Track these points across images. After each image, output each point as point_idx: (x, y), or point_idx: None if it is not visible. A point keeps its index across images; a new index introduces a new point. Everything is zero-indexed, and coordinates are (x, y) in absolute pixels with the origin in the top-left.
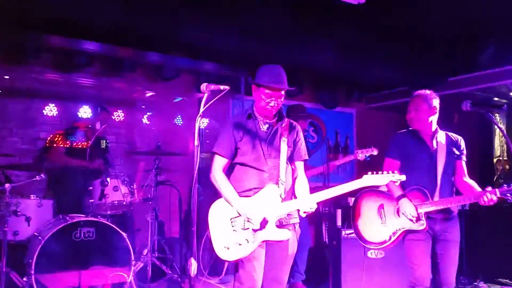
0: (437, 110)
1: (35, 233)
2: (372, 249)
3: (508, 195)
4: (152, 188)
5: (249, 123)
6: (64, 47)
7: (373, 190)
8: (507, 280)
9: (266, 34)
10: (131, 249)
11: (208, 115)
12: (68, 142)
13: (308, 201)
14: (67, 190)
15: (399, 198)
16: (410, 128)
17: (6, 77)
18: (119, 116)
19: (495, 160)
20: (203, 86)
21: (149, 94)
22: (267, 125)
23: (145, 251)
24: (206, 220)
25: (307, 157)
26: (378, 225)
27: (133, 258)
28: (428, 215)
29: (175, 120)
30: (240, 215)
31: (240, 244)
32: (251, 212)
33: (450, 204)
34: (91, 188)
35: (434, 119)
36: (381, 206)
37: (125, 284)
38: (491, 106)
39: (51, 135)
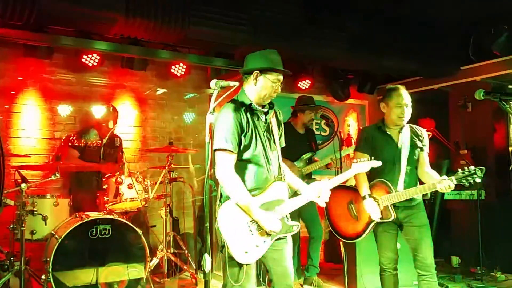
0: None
1: (52, 232)
2: (349, 242)
3: (463, 180)
4: (166, 185)
5: (249, 114)
6: (75, 46)
7: (339, 186)
8: None
9: (277, 27)
10: (146, 245)
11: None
12: (82, 141)
13: (325, 193)
14: (82, 189)
15: (364, 198)
16: (378, 122)
17: (19, 78)
18: (132, 114)
19: (510, 149)
20: (213, 83)
21: (160, 91)
22: (263, 116)
23: (160, 247)
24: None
25: (285, 144)
26: (350, 220)
27: (148, 254)
28: (393, 204)
29: (187, 116)
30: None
31: (257, 246)
32: (274, 225)
33: (412, 195)
34: (106, 186)
35: (407, 114)
36: (350, 202)
37: (141, 280)
38: (505, 94)
39: (66, 135)
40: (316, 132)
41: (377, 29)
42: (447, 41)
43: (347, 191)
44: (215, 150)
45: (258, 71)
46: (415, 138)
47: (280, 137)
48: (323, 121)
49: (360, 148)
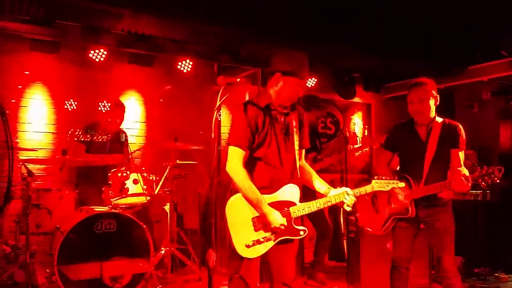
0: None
1: (57, 226)
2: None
3: (480, 179)
4: (171, 181)
5: (266, 113)
6: (81, 41)
7: (367, 180)
8: None
9: (283, 25)
10: (150, 240)
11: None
12: (88, 136)
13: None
14: (88, 183)
15: None
16: (409, 119)
17: (26, 72)
18: (137, 110)
19: None
20: (220, 79)
21: (166, 87)
22: (283, 117)
23: (165, 243)
24: (223, 212)
25: (309, 145)
26: (372, 213)
27: (152, 249)
28: (415, 202)
29: (192, 112)
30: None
31: (260, 242)
32: (279, 221)
33: (428, 192)
34: (111, 181)
35: (420, 110)
36: (375, 195)
37: (145, 275)
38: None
39: (72, 130)
40: (321, 130)
41: (384, 27)
42: (454, 40)
43: None
44: (228, 144)
45: (280, 73)
46: (446, 135)
47: (302, 139)
48: (329, 119)
49: (384, 145)
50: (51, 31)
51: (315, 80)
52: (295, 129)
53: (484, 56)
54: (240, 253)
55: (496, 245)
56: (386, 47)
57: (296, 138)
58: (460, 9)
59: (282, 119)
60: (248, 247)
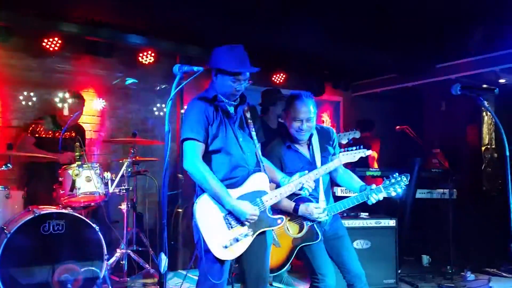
0: None
1: (2, 226)
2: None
3: (391, 189)
4: (129, 178)
5: (216, 105)
6: (36, 28)
7: None
8: (494, 270)
9: (252, 17)
10: (103, 242)
11: (187, 101)
12: (41, 130)
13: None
14: (38, 181)
15: (296, 209)
16: (284, 138)
17: None
18: (95, 103)
19: (483, 148)
20: (176, 68)
21: (129, 81)
22: (232, 107)
23: (121, 245)
24: (188, 211)
25: (264, 139)
26: (273, 249)
27: (105, 252)
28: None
29: (155, 107)
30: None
31: (238, 240)
32: (247, 210)
33: (347, 206)
34: (62, 178)
35: (308, 128)
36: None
37: (98, 280)
38: (481, 89)
39: (23, 123)
40: None
41: (354, 24)
42: (423, 38)
43: None
44: (182, 140)
45: (215, 71)
46: (325, 143)
47: (258, 132)
48: None
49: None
50: (3, 16)
51: (283, 76)
52: (250, 121)
53: (453, 54)
54: (218, 256)
55: (464, 244)
56: (355, 45)
57: (252, 129)
58: (427, 7)
59: (232, 110)
60: (225, 248)
